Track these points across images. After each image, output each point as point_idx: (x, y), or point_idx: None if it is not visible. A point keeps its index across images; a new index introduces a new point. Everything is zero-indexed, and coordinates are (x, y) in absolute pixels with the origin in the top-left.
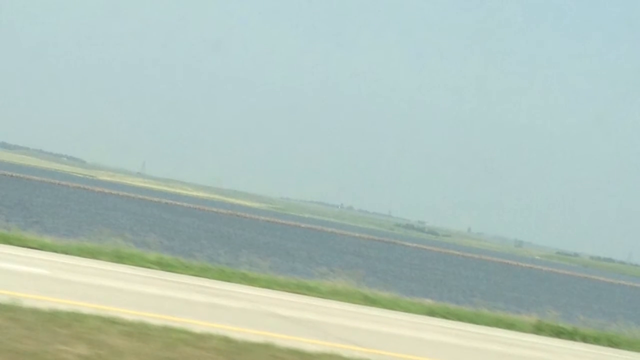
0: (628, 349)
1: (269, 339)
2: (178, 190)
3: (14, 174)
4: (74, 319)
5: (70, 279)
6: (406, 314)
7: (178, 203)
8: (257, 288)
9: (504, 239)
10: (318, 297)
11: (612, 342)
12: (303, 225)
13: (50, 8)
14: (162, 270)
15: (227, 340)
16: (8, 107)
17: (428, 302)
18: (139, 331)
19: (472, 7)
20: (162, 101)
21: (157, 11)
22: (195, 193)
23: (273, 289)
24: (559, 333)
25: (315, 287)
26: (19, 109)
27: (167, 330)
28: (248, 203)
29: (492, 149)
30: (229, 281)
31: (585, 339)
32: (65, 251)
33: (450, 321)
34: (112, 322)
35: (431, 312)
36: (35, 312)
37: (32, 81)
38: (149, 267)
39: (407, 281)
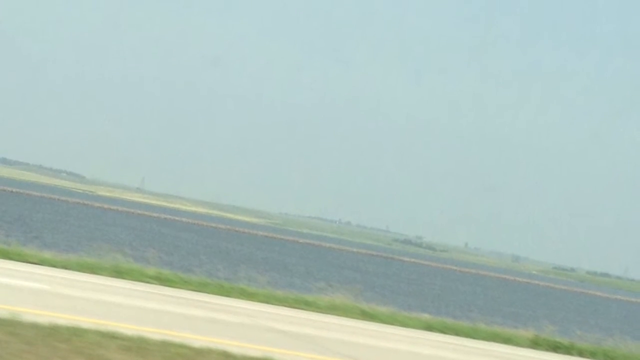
0: None
1: (267, 354)
2: (177, 206)
3: (14, 190)
4: (74, 333)
5: (70, 294)
6: (404, 328)
7: (177, 218)
8: (256, 303)
9: (501, 254)
10: (316, 312)
11: (609, 357)
12: (301, 240)
13: (49, 24)
14: (161, 285)
15: (225, 355)
16: (8, 123)
17: (426, 316)
18: (138, 346)
19: (470, 23)
20: (162, 117)
21: (156, 27)
22: (194, 208)
23: (271, 303)
24: (555, 348)
25: (313, 302)
26: (18, 125)
27: (166, 345)
28: (246, 218)
29: (489, 164)
30: (227, 296)
31: (582, 353)
32: (65, 266)
33: (447, 336)
34: (111, 336)
35: (429, 327)
36: (35, 327)
37: (32, 97)
38: (148, 282)
39: (404, 296)
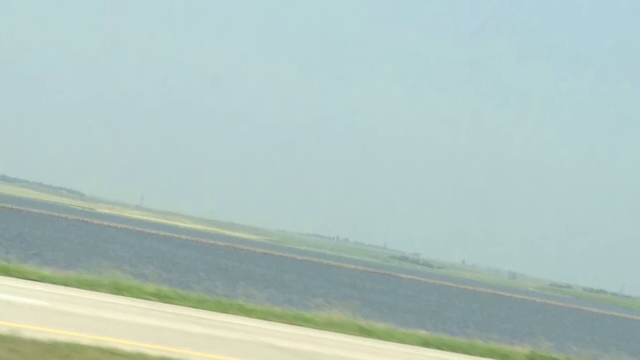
0: None
1: None
2: (176, 223)
3: (13, 207)
4: (73, 350)
5: (70, 311)
6: (401, 344)
7: (176, 235)
8: (254, 319)
9: (497, 271)
10: (314, 328)
11: None
12: (299, 257)
13: (49, 42)
14: (160, 301)
15: None
16: (8, 140)
17: (423, 333)
18: None
19: (467, 41)
20: (161, 135)
21: (155, 46)
22: (193, 225)
23: (270, 320)
24: None
25: (311, 318)
26: (18, 142)
27: None
28: (245, 235)
29: (486, 181)
30: (226, 312)
31: None
32: (65, 283)
33: (444, 352)
34: (110, 353)
35: (426, 343)
36: (34, 343)
37: (32, 114)
38: (147, 299)
39: (402, 312)
